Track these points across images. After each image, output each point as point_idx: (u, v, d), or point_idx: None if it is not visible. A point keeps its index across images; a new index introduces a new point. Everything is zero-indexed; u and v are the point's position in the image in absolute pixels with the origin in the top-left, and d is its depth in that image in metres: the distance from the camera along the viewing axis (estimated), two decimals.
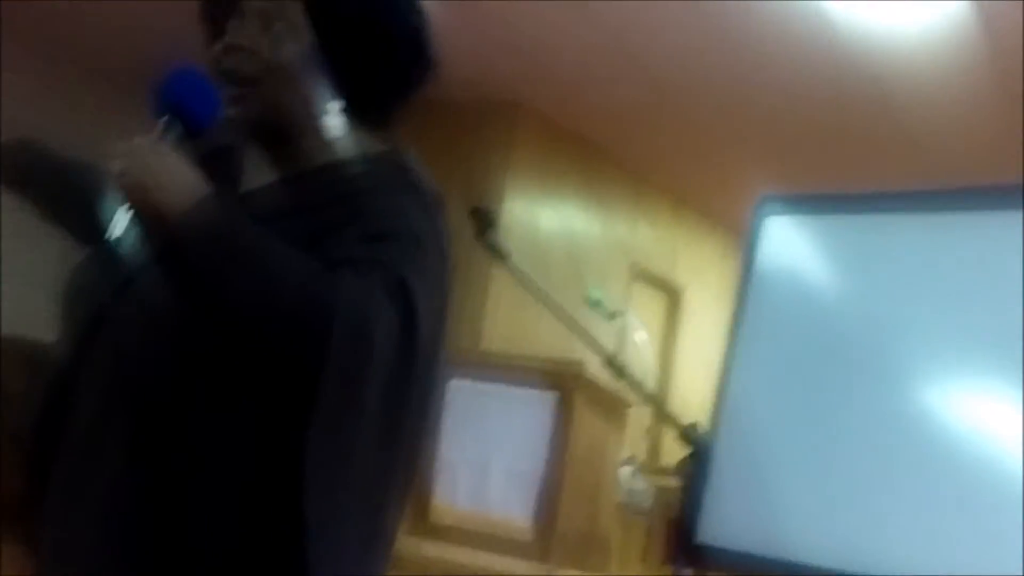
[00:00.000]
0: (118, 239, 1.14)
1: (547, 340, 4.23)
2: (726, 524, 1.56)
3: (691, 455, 1.71)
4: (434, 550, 3.00)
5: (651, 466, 5.14)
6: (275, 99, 1.25)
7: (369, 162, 1.26)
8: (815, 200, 1.69)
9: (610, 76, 5.49)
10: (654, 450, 5.97)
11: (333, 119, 1.27)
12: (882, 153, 5.44)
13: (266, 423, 1.11)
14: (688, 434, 1.73)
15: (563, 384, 3.25)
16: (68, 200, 1.32)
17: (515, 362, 3.92)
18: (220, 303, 1.11)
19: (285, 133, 1.27)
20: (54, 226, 1.40)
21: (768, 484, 1.52)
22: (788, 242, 1.69)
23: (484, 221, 1.90)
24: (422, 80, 1.33)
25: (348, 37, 1.26)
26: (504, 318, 5.75)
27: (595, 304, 3.87)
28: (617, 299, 5.89)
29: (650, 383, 3.69)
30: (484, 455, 3.31)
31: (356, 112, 1.29)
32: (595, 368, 2.97)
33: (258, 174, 1.29)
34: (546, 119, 6.19)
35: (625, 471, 4.24)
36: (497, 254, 1.94)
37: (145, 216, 1.13)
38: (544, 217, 6.42)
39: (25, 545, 1.24)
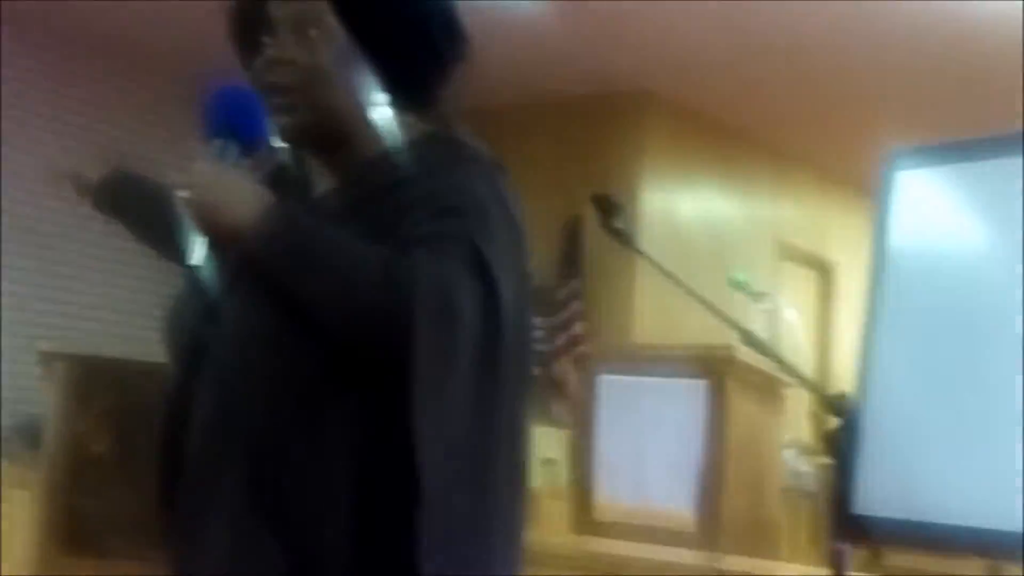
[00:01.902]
0: (198, 265, 1.19)
1: (697, 329, 4.16)
2: (879, 493, 1.50)
3: (840, 427, 1.65)
4: (599, 546, 2.99)
5: (816, 448, 4.99)
6: (323, 101, 1.26)
7: (422, 144, 1.27)
8: (946, 149, 1.60)
9: (737, 55, 5.38)
10: (819, 431, 5.79)
11: (381, 110, 1.28)
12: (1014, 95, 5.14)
13: (371, 417, 1.13)
14: (835, 405, 1.66)
15: (714, 370, 3.19)
16: (160, 227, 1.37)
17: (664, 352, 3.88)
18: (305, 306, 1.13)
19: (338, 134, 1.28)
20: (150, 250, 1.47)
21: (917, 449, 1.45)
22: (921, 196, 1.60)
23: (606, 208, 1.87)
24: (457, 55, 1.33)
25: (379, 25, 1.27)
26: (652, 310, 5.69)
27: (740, 286, 3.77)
28: (765, 280, 5.75)
29: (804, 362, 3.58)
30: (641, 448, 3.28)
31: (401, 98, 1.29)
32: (746, 351, 2.91)
33: (323, 182, 1.31)
34: (676, 105, 6.11)
35: (788, 454, 4.13)
36: (622, 240, 1.91)
37: (216, 236, 1.18)
38: (683, 203, 6.33)
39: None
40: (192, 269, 1.20)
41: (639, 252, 2.04)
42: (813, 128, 6.34)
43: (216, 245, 1.19)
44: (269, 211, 1.17)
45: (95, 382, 2.01)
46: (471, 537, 1.15)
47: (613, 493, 3.25)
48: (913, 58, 5.22)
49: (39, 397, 3.64)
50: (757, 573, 2.52)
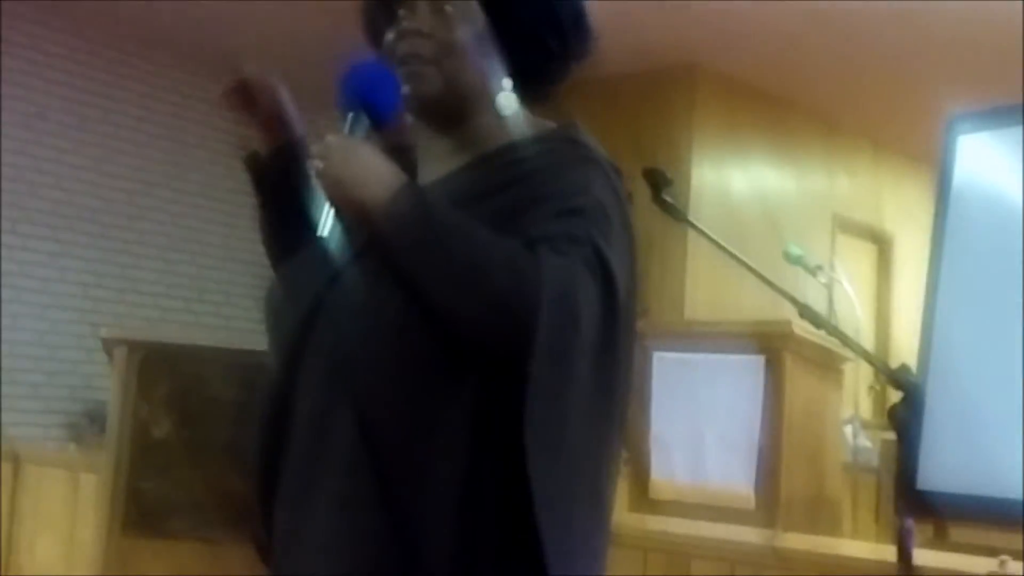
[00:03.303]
0: (326, 236, 1.17)
1: (752, 304, 4.13)
2: (944, 468, 1.47)
3: (904, 400, 1.61)
4: (657, 524, 2.96)
5: (878, 423, 4.93)
6: (453, 77, 1.26)
7: (546, 140, 1.27)
8: (1007, 111, 1.55)
9: (786, 26, 5.30)
10: (880, 406, 5.72)
11: (506, 97, 1.28)
12: None
13: (485, 404, 1.12)
14: (898, 378, 1.62)
15: (771, 345, 3.15)
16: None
17: (719, 328, 3.83)
18: (430, 289, 1.13)
19: (461, 112, 1.28)
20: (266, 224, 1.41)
21: (983, 421, 1.42)
22: (984, 160, 1.56)
23: (657, 181, 1.85)
24: (584, 54, 1.33)
25: (515, 15, 1.27)
26: (705, 286, 5.65)
27: (795, 260, 3.72)
28: (821, 254, 5.67)
29: (863, 335, 3.53)
30: (698, 427, 3.25)
31: (525, 90, 1.29)
32: (804, 326, 2.86)
33: (434, 167, 1.30)
34: (726, 78, 6.03)
35: (848, 430, 4.07)
36: (672, 213, 1.89)
37: (347, 211, 1.17)
38: (735, 178, 6.26)
39: (253, 544, 1.28)
40: (318, 241, 1.19)
41: (690, 224, 2.01)
42: (866, 98, 6.23)
43: (345, 219, 1.18)
44: (401, 191, 1.16)
45: (156, 367, 2.03)
46: (582, 543, 1.14)
47: (669, 472, 3.23)
48: (966, 24, 5.10)
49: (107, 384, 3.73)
50: (818, 550, 2.49)
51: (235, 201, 6.27)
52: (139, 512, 1.99)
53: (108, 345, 2.09)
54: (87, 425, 4.90)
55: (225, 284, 5.93)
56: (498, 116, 1.27)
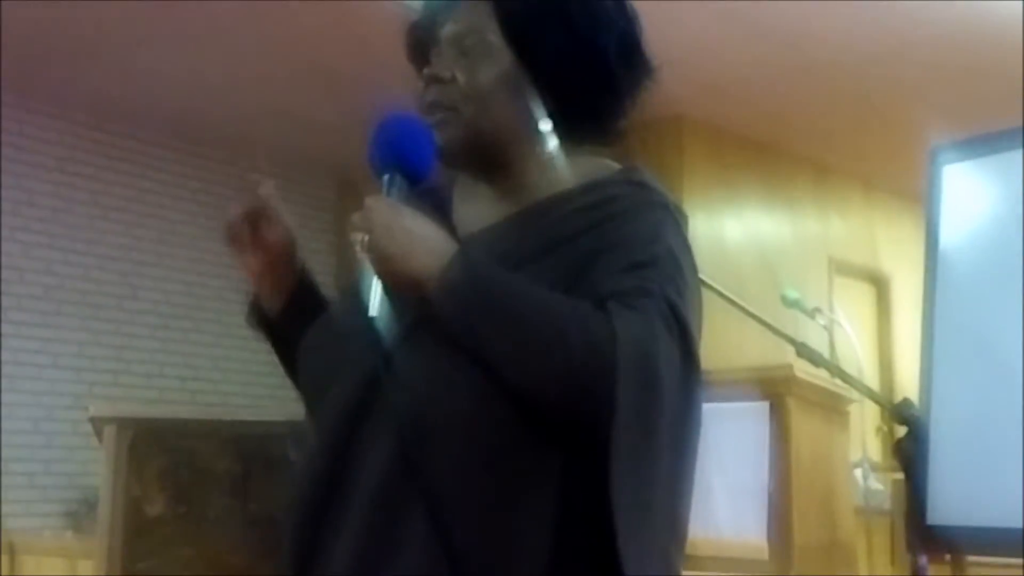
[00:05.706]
0: (377, 313, 1.09)
1: (752, 352, 4.10)
2: (955, 501, 1.43)
3: (908, 434, 1.58)
4: None
5: (888, 464, 4.87)
6: (478, 123, 1.19)
7: (610, 184, 1.21)
8: (989, 140, 1.55)
9: (768, 72, 5.35)
10: (889, 447, 5.66)
11: (547, 141, 1.21)
12: None
13: (569, 475, 1.07)
14: (901, 412, 1.60)
15: (773, 390, 3.10)
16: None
17: (721, 376, 3.79)
18: (498, 360, 1.07)
19: (495, 158, 1.22)
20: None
21: (989, 451, 1.39)
22: (970, 188, 1.55)
23: None
24: (636, 87, 1.26)
25: (550, 52, 1.19)
26: (704, 335, 5.61)
27: (792, 304, 3.70)
28: (820, 298, 5.65)
29: (865, 375, 3.50)
30: (705, 478, 3.18)
31: (576, 131, 1.22)
32: (806, 369, 2.83)
33: (478, 213, 1.23)
34: (714, 128, 6.07)
35: (859, 473, 4.02)
36: None
37: (397, 286, 1.10)
38: (728, 226, 6.27)
39: None
40: (365, 316, 1.10)
41: None
42: (855, 139, 6.27)
43: (397, 293, 1.11)
44: (454, 260, 1.09)
45: (147, 444, 1.99)
46: None
47: None
48: (950, 59, 5.14)
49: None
50: None
51: (227, 276, 6.27)
52: None
53: (97, 424, 2.06)
54: (86, 512, 4.83)
55: (220, 360, 5.90)
56: (545, 160, 1.21)
